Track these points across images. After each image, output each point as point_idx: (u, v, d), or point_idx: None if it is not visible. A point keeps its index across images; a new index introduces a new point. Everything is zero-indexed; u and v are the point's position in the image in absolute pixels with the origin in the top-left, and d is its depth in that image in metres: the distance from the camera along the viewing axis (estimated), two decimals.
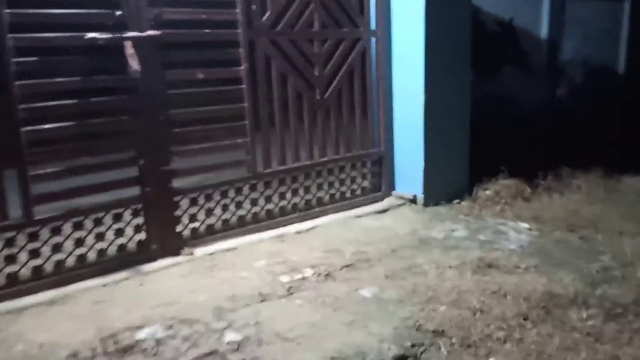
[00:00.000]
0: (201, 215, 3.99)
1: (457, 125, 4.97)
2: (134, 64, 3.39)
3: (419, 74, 4.64)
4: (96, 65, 3.38)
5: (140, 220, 3.68)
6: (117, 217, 3.62)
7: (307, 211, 4.49)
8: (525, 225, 4.36)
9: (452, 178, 5.01)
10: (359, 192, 4.87)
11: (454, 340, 2.78)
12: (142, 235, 3.72)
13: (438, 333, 2.84)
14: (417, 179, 4.85)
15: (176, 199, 3.81)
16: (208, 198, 3.99)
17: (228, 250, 3.92)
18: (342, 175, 4.74)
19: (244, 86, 4.01)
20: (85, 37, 3.30)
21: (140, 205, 3.66)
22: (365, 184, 4.91)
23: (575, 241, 4.03)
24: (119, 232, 3.62)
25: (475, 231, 4.25)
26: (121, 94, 3.53)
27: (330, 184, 4.67)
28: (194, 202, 3.94)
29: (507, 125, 6.46)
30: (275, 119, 4.25)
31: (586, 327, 2.89)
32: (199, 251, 3.88)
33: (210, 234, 4.01)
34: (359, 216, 4.64)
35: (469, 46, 4.93)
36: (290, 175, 4.40)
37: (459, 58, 4.86)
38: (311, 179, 4.53)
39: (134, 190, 3.66)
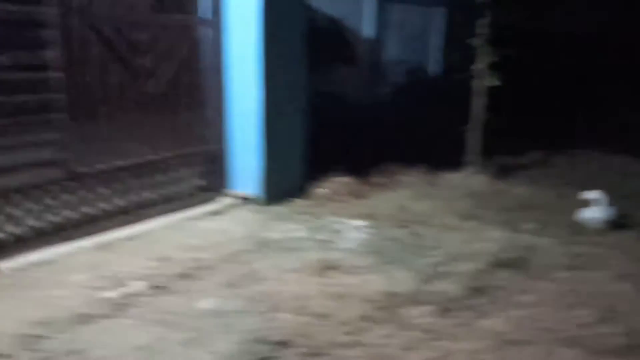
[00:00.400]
0: (5, 224, 3.38)
1: (294, 122, 4.89)
2: None
3: (256, 68, 4.46)
4: None
5: None
6: None
7: (135, 214, 4.07)
8: (361, 222, 4.40)
9: (289, 176, 4.92)
10: (191, 192, 4.54)
11: (300, 350, 2.65)
12: None
13: (283, 344, 2.69)
14: (253, 178, 4.68)
15: None
16: (13, 203, 3.39)
17: (41, 263, 3.40)
18: (174, 174, 4.39)
19: (58, 74, 3.46)
20: None
21: None
22: (199, 183, 4.61)
23: (406, 237, 4.16)
24: None
25: (313, 231, 4.19)
26: None
27: (161, 184, 4.29)
28: None
29: (339, 122, 6.58)
30: (97, 112, 3.75)
31: (424, 324, 2.94)
32: (3, 266, 3.28)
33: (19, 245, 3.42)
34: (192, 218, 4.34)
35: (304, 42, 4.86)
36: (115, 175, 3.95)
37: (295, 53, 4.78)
38: (139, 179, 4.11)
39: None
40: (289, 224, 4.32)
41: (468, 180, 5.64)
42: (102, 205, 3.89)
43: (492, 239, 4.07)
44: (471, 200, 5.04)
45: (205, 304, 3.03)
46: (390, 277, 3.40)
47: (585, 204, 4.88)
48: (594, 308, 3.16)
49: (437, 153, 6.35)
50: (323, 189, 5.03)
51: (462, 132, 6.19)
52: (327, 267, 3.51)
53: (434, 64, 10.34)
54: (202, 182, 4.62)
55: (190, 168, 4.50)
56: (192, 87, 4.40)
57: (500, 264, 3.66)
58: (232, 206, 4.62)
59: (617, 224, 4.75)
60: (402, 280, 3.37)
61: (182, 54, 4.27)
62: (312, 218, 4.50)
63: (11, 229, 3.40)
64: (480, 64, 6.13)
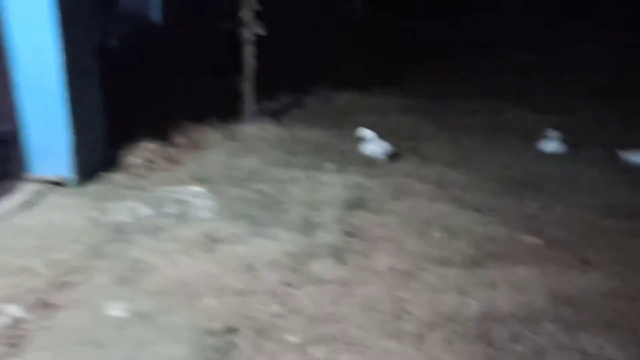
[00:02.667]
0: None
1: (93, 88, 4.32)
2: None
3: (51, 29, 3.76)
4: None
5: None
6: None
7: None
8: (197, 188, 4.26)
9: (96, 149, 4.39)
10: None
11: (249, 332, 2.63)
12: None
13: (231, 330, 2.62)
14: (60, 158, 4.05)
15: None
16: None
17: None
18: None
19: None
20: None
21: None
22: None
23: (253, 196, 4.20)
24: None
25: (157, 206, 3.91)
26: None
27: None
28: None
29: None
30: None
31: (334, 276, 3.15)
32: None
33: None
34: (5, 215, 3.59)
35: None
36: None
37: (83, 6, 4.16)
38: None
39: None
40: (125, 202, 3.93)
41: (262, 130, 5.81)
42: None
43: (327, 184, 4.40)
44: (279, 150, 5.26)
45: (115, 310, 2.68)
46: (275, 238, 3.47)
47: (361, 140, 5.64)
48: (437, 228, 3.79)
49: (213, 105, 6.33)
50: (134, 157, 4.63)
51: (234, 82, 6.29)
52: (208, 241, 3.39)
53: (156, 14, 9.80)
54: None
55: None
56: None
57: (351, 206, 4.04)
58: (41, 193, 3.95)
59: (393, 155, 5.58)
60: (287, 239, 3.48)
61: None
62: (142, 192, 4.16)
63: None
64: (247, 13, 6.22)
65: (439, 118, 6.97)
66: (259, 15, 6.20)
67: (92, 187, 4.16)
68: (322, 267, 3.20)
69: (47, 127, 3.96)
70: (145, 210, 3.82)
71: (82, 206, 3.83)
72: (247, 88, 6.33)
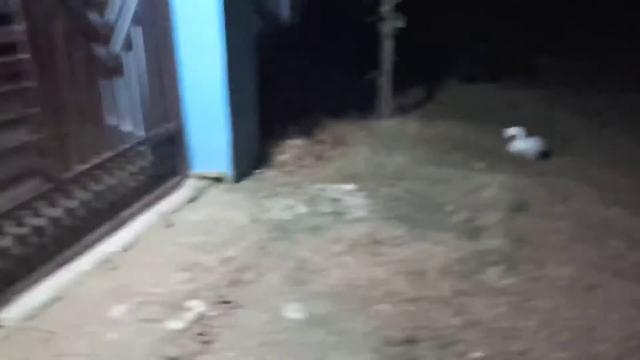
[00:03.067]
0: None
1: (250, 86, 4.39)
2: None
3: (217, 26, 3.83)
4: None
5: None
6: None
7: (115, 218, 3.37)
8: (349, 186, 4.21)
9: (250, 146, 4.47)
10: (158, 180, 3.89)
11: (430, 343, 2.50)
12: None
13: (411, 341, 2.50)
14: (221, 154, 4.15)
15: None
16: None
17: (49, 303, 2.66)
18: (142, 163, 3.69)
19: (26, 55, 2.62)
20: None
21: None
22: (163, 167, 3.95)
23: (406, 195, 4.08)
24: None
25: (312, 204, 3.90)
26: None
27: (132, 176, 3.59)
28: None
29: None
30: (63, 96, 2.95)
31: (507, 285, 2.95)
32: (9, 316, 2.52)
33: (8, 284, 2.63)
34: (171, 211, 3.73)
35: None
36: (93, 175, 3.20)
37: (246, 7, 4.22)
38: (114, 175, 3.39)
39: None
40: (279, 199, 3.96)
41: (403, 126, 5.67)
42: (82, 213, 3.12)
43: (483, 185, 4.18)
44: (424, 147, 5.10)
45: (292, 312, 2.66)
46: (439, 242, 3.32)
47: (508, 136, 5.32)
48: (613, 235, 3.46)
49: (351, 100, 6.28)
50: (283, 154, 4.67)
51: (373, 77, 6.18)
52: (371, 242, 3.31)
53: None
54: (165, 167, 3.96)
55: (154, 152, 3.81)
56: (154, 53, 3.66)
57: (514, 208, 3.79)
58: (203, 189, 4.08)
59: (544, 153, 5.22)
60: (453, 244, 3.32)
61: (137, 10, 3.49)
62: (295, 189, 4.17)
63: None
64: (387, 6, 6.07)
65: (585, 113, 6.49)
66: (399, 8, 6.05)
67: (248, 184, 4.24)
68: (494, 275, 3.01)
69: (209, 123, 4.08)
70: (301, 208, 3.81)
71: (241, 202, 3.90)
72: (385, 83, 6.23)
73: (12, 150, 2.63)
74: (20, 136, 2.67)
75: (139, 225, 3.49)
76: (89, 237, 3.15)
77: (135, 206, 3.57)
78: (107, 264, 3.02)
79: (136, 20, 3.46)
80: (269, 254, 3.18)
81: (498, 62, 8.43)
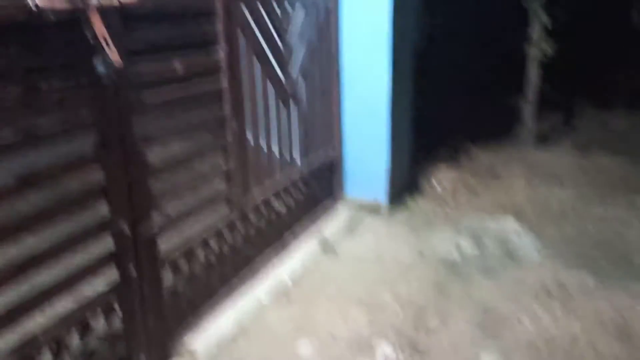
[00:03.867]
0: (184, 285, 2.52)
1: (406, 114, 4.22)
2: (111, 52, 1.78)
3: (385, 52, 3.70)
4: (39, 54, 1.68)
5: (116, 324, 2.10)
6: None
7: (279, 242, 3.29)
8: (514, 224, 3.92)
9: (404, 175, 4.30)
10: (315, 206, 3.79)
11: None
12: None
13: None
14: (378, 182, 4.01)
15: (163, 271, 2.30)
16: (190, 256, 2.53)
17: (236, 336, 2.59)
18: (303, 188, 3.60)
19: (225, 86, 2.58)
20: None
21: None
22: (321, 194, 3.85)
23: (576, 236, 3.74)
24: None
25: (475, 240, 3.65)
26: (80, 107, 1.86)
27: (297, 203, 3.51)
28: (176, 268, 2.45)
29: None
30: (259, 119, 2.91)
31: None
32: (200, 348, 2.46)
33: (194, 309, 2.58)
34: (332, 240, 3.61)
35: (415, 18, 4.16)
36: (267, 200, 3.13)
37: (409, 32, 4.07)
38: (282, 199, 3.31)
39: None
40: (440, 233, 3.75)
41: (555, 157, 5.31)
42: (255, 239, 3.06)
43: None
44: (582, 182, 4.71)
45: (488, 357, 2.42)
46: (636, 296, 2.97)
47: None
48: None
49: (492, 127, 5.99)
50: (434, 183, 4.46)
51: (515, 104, 5.88)
52: (558, 290, 3.02)
53: None
54: (323, 193, 3.86)
55: (315, 177, 3.71)
56: (326, 80, 3.59)
57: None
58: (359, 217, 3.94)
59: None
60: None
61: (316, 38, 3.42)
62: (455, 224, 3.94)
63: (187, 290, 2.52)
64: (536, 30, 5.73)
65: None
66: (549, 33, 5.72)
67: (403, 214, 4.07)
68: None
69: (369, 152, 3.96)
70: (467, 246, 3.58)
71: (401, 234, 3.74)
72: (529, 110, 5.89)
73: (207, 175, 2.59)
74: (216, 162, 2.63)
75: (304, 253, 3.40)
76: (258, 263, 3.07)
77: (298, 232, 3.48)
78: (282, 295, 2.93)
79: (310, 44, 3.39)
80: (446, 296, 2.97)
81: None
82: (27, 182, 1.67)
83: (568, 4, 5.97)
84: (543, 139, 5.90)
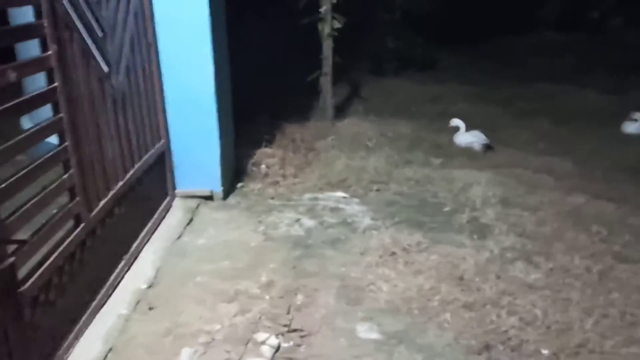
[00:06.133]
0: (45, 316, 2.27)
1: (228, 98, 4.23)
2: None
3: (204, 37, 3.64)
4: None
5: None
6: None
7: (126, 248, 3.12)
8: (342, 194, 4.23)
9: (231, 159, 4.32)
10: (151, 203, 3.64)
11: (504, 349, 2.63)
12: None
13: (488, 347, 2.62)
14: (208, 171, 3.97)
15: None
16: (47, 284, 2.28)
17: (107, 356, 2.42)
18: (139, 188, 3.43)
19: (56, 84, 2.33)
20: None
21: None
22: (153, 190, 3.70)
23: (401, 199, 4.17)
24: None
25: (313, 215, 3.88)
26: None
27: (134, 203, 3.33)
28: (35, 300, 2.19)
29: None
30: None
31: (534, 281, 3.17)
32: None
33: (59, 339, 2.35)
34: (178, 236, 3.52)
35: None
36: (111, 210, 2.92)
37: (221, 17, 4.05)
38: (122, 204, 3.12)
39: None
40: (278, 213, 3.89)
41: (356, 127, 5.77)
42: (106, 252, 2.86)
43: (456, 179, 4.40)
44: (386, 148, 5.21)
45: (366, 333, 2.66)
46: (459, 245, 3.47)
47: (452, 130, 5.63)
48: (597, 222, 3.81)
49: (292, 102, 6.28)
50: (262, 165, 4.56)
51: (314, 78, 6.21)
52: (399, 251, 3.37)
53: None
54: (156, 188, 3.72)
55: (147, 173, 3.55)
56: (142, 72, 3.39)
57: (501, 202, 4.04)
58: (194, 209, 3.87)
59: (488, 146, 5.56)
60: (472, 245, 3.47)
61: (132, 28, 3.21)
62: (287, 201, 4.12)
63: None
64: (325, 7, 6.11)
65: (507, 104, 6.99)
66: (336, 9, 6.10)
67: (237, 199, 4.10)
68: (523, 272, 3.20)
69: (200, 144, 3.87)
70: (307, 221, 3.77)
71: (242, 220, 3.77)
72: (327, 83, 6.26)
73: (52, 191, 2.32)
74: (59, 175, 2.35)
75: (151, 254, 3.25)
76: (111, 276, 2.87)
77: (141, 234, 3.30)
78: (143, 303, 2.79)
79: (130, 35, 3.18)
80: (305, 274, 3.12)
81: (402, 57, 8.82)
82: None
83: None
84: (340, 110, 6.34)
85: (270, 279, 3.04)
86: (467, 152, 5.44)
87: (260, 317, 2.71)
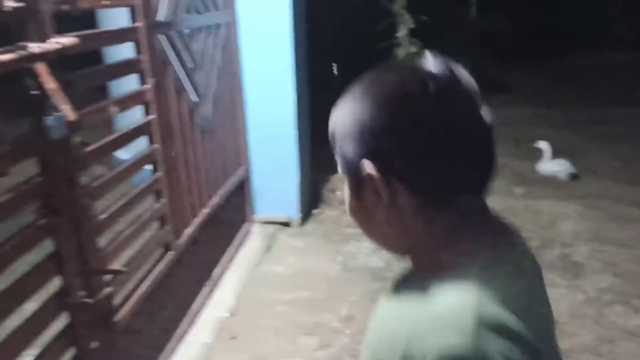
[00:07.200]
0: (134, 345, 2.30)
1: (307, 124, 4.22)
2: (65, 107, 1.56)
3: (286, 68, 3.66)
4: None
5: None
6: None
7: (208, 276, 3.14)
8: None
9: (309, 186, 4.30)
10: (231, 229, 3.66)
11: None
12: None
13: None
14: (290, 198, 3.96)
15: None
16: (137, 313, 2.31)
17: None
18: (221, 214, 3.46)
19: (152, 116, 2.38)
20: None
21: None
22: (233, 215, 3.73)
23: None
24: None
25: None
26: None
27: (217, 230, 3.36)
28: (127, 329, 2.22)
29: None
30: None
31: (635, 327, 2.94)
32: None
33: None
34: (257, 263, 3.52)
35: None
36: (195, 237, 2.95)
37: (302, 40, 4.06)
38: (205, 231, 3.14)
39: None
40: (356, 243, 3.82)
41: None
42: (190, 279, 2.88)
43: (542, 213, 4.18)
44: None
45: None
46: (553, 284, 3.26)
47: (538, 151, 5.37)
48: None
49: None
50: (337, 192, 4.52)
51: None
52: None
53: None
54: (236, 214, 3.74)
55: (229, 199, 3.57)
56: (231, 99, 3.45)
57: (590, 238, 3.81)
58: (273, 236, 3.87)
59: (574, 175, 5.28)
60: (567, 285, 3.28)
61: (220, 58, 3.27)
62: None
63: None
64: (402, 31, 6.05)
65: (587, 128, 6.68)
66: (413, 34, 6.04)
67: (313, 226, 4.07)
68: (622, 316, 2.99)
69: (278, 168, 3.88)
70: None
71: (319, 249, 3.73)
72: None
73: (144, 221, 2.36)
74: (151, 205, 2.40)
75: (232, 282, 3.26)
76: (194, 303, 2.89)
77: (222, 261, 3.33)
78: (224, 332, 2.79)
79: (217, 66, 3.24)
80: None
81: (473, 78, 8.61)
82: None
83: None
84: None
85: (351, 313, 2.97)
86: (551, 180, 5.21)
87: (342, 354, 2.64)
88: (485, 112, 0.72)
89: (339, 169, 0.79)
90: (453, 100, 0.70)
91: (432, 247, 0.74)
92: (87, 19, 1.67)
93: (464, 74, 0.73)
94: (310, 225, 4.07)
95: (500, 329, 0.62)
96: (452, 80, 0.71)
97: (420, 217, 0.72)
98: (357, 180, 0.74)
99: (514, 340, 0.62)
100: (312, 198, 4.36)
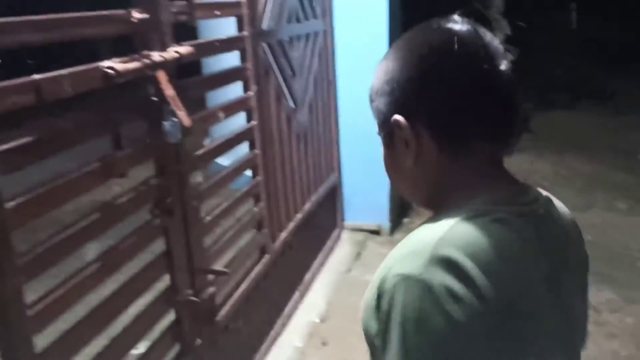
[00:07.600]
0: (232, 345, 2.35)
1: None
2: (181, 113, 1.62)
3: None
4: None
5: None
6: None
7: (300, 280, 3.17)
8: None
9: (396, 193, 4.24)
10: (322, 234, 3.68)
11: None
12: None
13: None
14: (377, 204, 3.93)
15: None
16: (236, 313, 2.36)
17: None
18: (313, 219, 3.48)
19: (254, 122, 2.44)
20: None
21: None
22: (324, 221, 3.75)
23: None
24: None
25: None
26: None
27: (309, 235, 3.38)
28: (226, 328, 2.28)
29: None
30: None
31: None
32: None
33: None
34: (347, 270, 3.51)
35: None
36: (289, 241, 2.99)
37: None
38: (298, 236, 3.18)
39: None
40: None
41: (530, 162, 5.44)
42: (283, 283, 2.92)
43: None
44: (565, 186, 4.85)
45: None
46: None
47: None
48: None
49: None
50: None
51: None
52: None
53: None
54: (327, 220, 3.76)
55: (321, 204, 3.60)
56: (326, 106, 3.48)
57: None
58: (362, 243, 3.85)
59: None
60: None
61: (317, 66, 3.31)
62: None
63: None
64: (498, 38, 5.85)
65: None
66: (509, 40, 5.86)
67: (403, 235, 3.94)
68: None
69: (369, 175, 3.84)
70: None
71: None
72: None
73: (243, 224, 2.43)
74: (249, 208, 2.47)
75: (323, 287, 3.28)
76: (287, 307, 2.93)
77: (313, 266, 3.36)
78: (315, 337, 2.80)
79: (314, 74, 3.29)
80: None
81: (574, 86, 8.22)
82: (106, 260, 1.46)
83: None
84: None
85: None
86: None
87: None
88: (507, 68, 0.78)
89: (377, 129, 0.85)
90: (474, 54, 0.77)
91: (446, 190, 0.81)
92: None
93: (487, 34, 0.80)
94: (400, 234, 4.02)
95: (449, 265, 0.68)
96: (475, 38, 0.78)
97: (440, 161, 0.79)
98: (388, 130, 0.81)
99: (462, 278, 0.67)
100: (402, 207, 4.32)
